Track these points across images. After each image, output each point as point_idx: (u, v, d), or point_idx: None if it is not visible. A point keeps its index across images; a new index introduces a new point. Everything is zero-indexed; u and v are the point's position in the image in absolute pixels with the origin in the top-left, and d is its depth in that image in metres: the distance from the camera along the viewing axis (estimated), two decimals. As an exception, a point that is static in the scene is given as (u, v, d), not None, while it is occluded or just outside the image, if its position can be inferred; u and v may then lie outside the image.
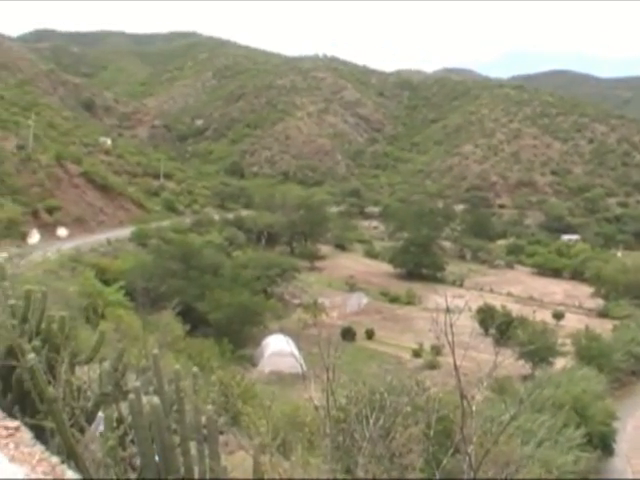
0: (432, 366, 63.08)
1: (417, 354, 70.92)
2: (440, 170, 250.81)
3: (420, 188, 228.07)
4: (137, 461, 7.29)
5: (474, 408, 8.50)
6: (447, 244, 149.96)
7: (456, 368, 8.43)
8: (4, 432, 5.58)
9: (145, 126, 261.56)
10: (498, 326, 74.26)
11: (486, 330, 75.11)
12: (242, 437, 11.55)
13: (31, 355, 7.62)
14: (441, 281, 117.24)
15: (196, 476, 6.93)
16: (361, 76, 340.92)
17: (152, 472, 6.85)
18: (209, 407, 7.40)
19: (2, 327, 8.46)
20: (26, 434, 5.75)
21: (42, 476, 4.82)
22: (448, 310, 8.73)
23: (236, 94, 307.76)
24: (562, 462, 32.93)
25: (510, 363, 53.28)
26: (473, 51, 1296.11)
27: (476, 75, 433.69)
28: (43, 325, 9.05)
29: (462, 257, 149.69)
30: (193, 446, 7.06)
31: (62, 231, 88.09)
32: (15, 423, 5.89)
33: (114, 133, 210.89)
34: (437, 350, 64.07)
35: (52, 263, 52.18)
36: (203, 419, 7.21)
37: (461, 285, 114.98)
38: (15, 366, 8.26)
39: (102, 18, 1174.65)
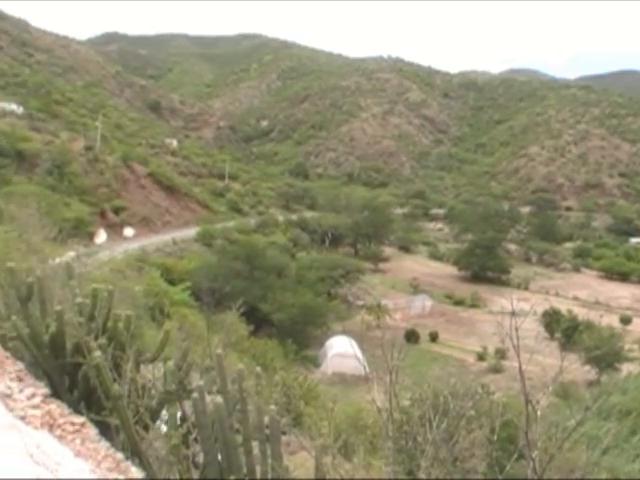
0: (496, 370, 62.46)
1: (481, 357, 70.24)
2: (506, 172, 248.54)
3: (485, 190, 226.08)
4: (200, 459, 7.34)
5: (539, 413, 8.39)
6: (512, 247, 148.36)
7: (521, 372, 8.34)
8: (70, 428, 5.65)
9: (210, 127, 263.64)
10: (564, 330, 73.39)
11: (551, 334, 74.26)
12: (304, 438, 11.54)
13: (97, 353, 7.71)
14: (506, 284, 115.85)
15: (258, 476, 6.95)
16: (426, 77, 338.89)
17: (214, 471, 6.89)
18: (272, 407, 7.40)
19: (69, 325, 8.58)
20: (92, 430, 5.81)
21: (107, 472, 4.87)
22: (513, 313, 8.63)
23: (301, 95, 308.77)
24: (629, 470, 32.33)
25: (576, 368, 52.64)
26: (539, 52, 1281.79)
27: (542, 76, 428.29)
28: (109, 323, 9.16)
29: (528, 260, 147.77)
30: (255, 446, 7.08)
31: (129, 231, 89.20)
32: (81, 419, 5.96)
33: (180, 134, 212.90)
34: (501, 354, 63.48)
35: (119, 262, 52.76)
36: (266, 419, 7.22)
37: (526, 288, 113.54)
38: (82, 363, 8.37)
39: (168, 21, 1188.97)
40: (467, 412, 9.82)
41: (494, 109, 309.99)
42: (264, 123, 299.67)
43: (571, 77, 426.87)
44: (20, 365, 6.98)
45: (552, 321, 76.58)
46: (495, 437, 9.44)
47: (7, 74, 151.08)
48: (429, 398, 10.36)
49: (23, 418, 5.48)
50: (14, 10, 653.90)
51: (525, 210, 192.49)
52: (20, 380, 6.43)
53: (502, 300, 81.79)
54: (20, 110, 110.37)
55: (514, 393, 18.42)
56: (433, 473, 8.57)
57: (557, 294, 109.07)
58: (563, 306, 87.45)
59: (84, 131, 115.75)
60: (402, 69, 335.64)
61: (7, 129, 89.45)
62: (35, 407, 5.85)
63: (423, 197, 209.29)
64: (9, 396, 5.90)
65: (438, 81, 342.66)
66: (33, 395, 6.11)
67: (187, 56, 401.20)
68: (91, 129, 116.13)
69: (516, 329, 8.25)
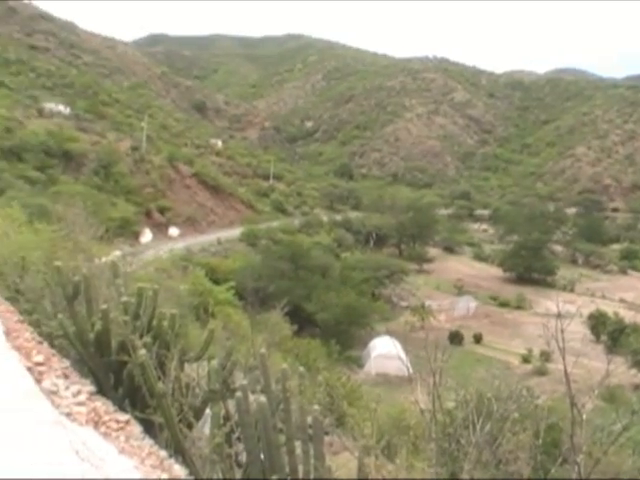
0: (541, 372, 61.92)
1: (526, 360, 69.64)
2: (552, 172, 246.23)
3: (531, 191, 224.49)
4: (242, 458, 7.37)
5: (584, 417, 8.30)
6: (558, 248, 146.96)
7: (566, 375, 8.26)
8: (115, 425, 5.70)
9: (255, 128, 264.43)
10: (610, 333, 72.62)
11: (597, 337, 73.51)
12: (347, 438, 11.53)
13: (142, 351, 7.78)
14: (552, 286, 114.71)
15: (300, 475, 6.96)
16: (471, 77, 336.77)
17: (257, 470, 6.91)
18: (315, 407, 7.41)
19: (115, 323, 8.66)
20: (136, 428, 5.86)
21: (150, 469, 4.91)
22: (559, 315, 8.56)
23: (345, 96, 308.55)
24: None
25: (622, 372, 51.95)
26: (586, 51, 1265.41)
27: (589, 75, 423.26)
28: (154, 322, 9.22)
29: (574, 261, 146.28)
30: (298, 446, 7.09)
31: (174, 230, 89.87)
32: (125, 417, 6.01)
33: (225, 135, 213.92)
34: (546, 356, 62.92)
35: (164, 262, 53.16)
36: (309, 419, 7.23)
37: (572, 290, 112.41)
38: (127, 361, 8.45)
39: (213, 22, 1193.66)
40: (511, 415, 9.76)
41: (540, 109, 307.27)
42: (309, 123, 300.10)
43: (619, 76, 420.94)
44: (66, 363, 7.06)
45: (598, 323, 75.83)
46: (539, 440, 9.37)
47: (55, 75, 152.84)
48: (473, 400, 10.33)
49: (69, 415, 5.54)
50: (62, 12, 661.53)
51: (571, 211, 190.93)
52: (66, 377, 6.50)
53: (547, 302, 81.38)
54: (67, 111, 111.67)
55: (559, 396, 18.28)
56: (476, 476, 8.53)
57: (603, 296, 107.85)
58: (609, 308, 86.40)
59: (130, 131, 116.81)
60: (447, 69, 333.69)
61: (55, 130, 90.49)
62: (80, 404, 5.91)
63: (468, 198, 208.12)
64: (55, 393, 5.97)
65: (484, 81, 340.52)
66: (79, 392, 6.18)
67: (232, 57, 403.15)
68: (137, 129, 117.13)
69: (561, 331, 8.18)
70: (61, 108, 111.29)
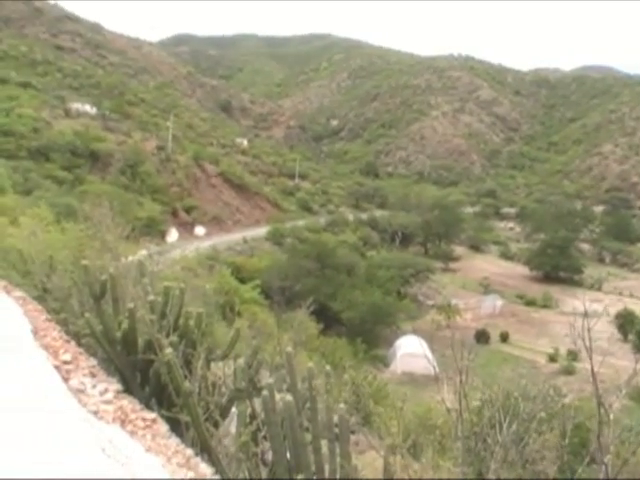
0: (568, 372, 61.49)
1: (553, 359, 69.21)
2: (579, 170, 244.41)
3: (558, 189, 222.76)
4: (269, 457, 7.38)
5: (612, 416, 8.25)
6: (585, 246, 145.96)
7: (593, 374, 8.22)
8: (141, 423, 5.73)
9: (281, 127, 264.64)
10: (638, 332, 72.00)
11: (625, 336, 72.93)
12: (373, 437, 11.54)
13: (169, 350, 7.81)
14: (579, 284, 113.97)
15: (326, 474, 6.96)
16: (497, 75, 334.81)
17: (283, 468, 6.92)
18: (341, 406, 7.41)
19: (141, 322, 8.70)
20: (162, 426, 5.89)
21: (177, 467, 4.93)
22: (586, 314, 8.50)
23: (371, 94, 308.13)
24: None
25: (651, 371, 51.47)
26: (613, 48, 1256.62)
27: (616, 72, 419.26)
28: (181, 321, 9.26)
29: (601, 260, 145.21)
30: (324, 444, 7.09)
31: (200, 229, 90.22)
32: (152, 415, 6.04)
33: (250, 134, 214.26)
34: (574, 355, 62.45)
35: (190, 261, 53.33)
36: (335, 418, 7.23)
37: (599, 289, 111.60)
38: (153, 360, 8.49)
39: (239, 22, 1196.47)
40: (538, 414, 9.72)
41: (567, 107, 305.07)
42: (334, 122, 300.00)
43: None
44: (93, 361, 7.10)
45: (625, 322, 75.26)
46: (566, 440, 9.32)
47: (81, 76, 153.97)
48: (499, 399, 10.28)
49: (96, 413, 5.57)
50: (88, 13, 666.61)
51: (598, 209, 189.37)
52: (93, 376, 6.54)
53: (574, 301, 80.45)
54: (94, 111, 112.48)
55: (586, 396, 18.17)
56: (502, 475, 8.50)
57: (631, 295, 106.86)
58: (637, 307, 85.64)
59: (156, 131, 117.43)
60: (473, 67, 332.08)
61: (81, 130, 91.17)
62: (107, 402, 5.95)
63: (494, 196, 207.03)
64: (82, 391, 6.01)
65: (509, 79, 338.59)
66: (106, 391, 6.21)
67: (257, 56, 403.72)
68: (163, 129, 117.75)
69: (588, 330, 8.13)
70: (88, 108, 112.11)
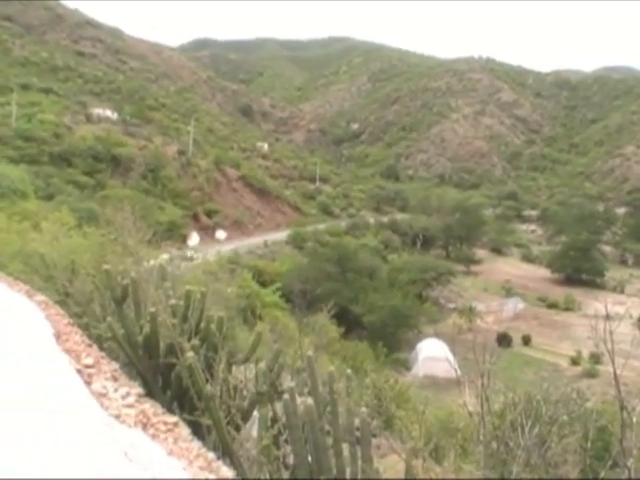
0: (591, 375, 61.16)
1: (575, 362, 68.96)
2: (601, 172, 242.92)
3: (580, 191, 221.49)
4: (290, 461, 7.38)
5: (634, 420, 8.20)
6: (608, 249, 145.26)
7: (616, 377, 8.17)
8: (163, 427, 5.74)
9: (301, 130, 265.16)
10: (661, 334, 71.49)
11: (648, 339, 72.38)
12: (395, 441, 11.51)
13: (190, 353, 7.83)
14: (601, 287, 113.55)
15: (348, 477, 6.96)
16: (517, 77, 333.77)
17: (304, 472, 6.92)
18: (362, 410, 7.40)
19: (163, 326, 8.72)
20: (184, 430, 5.90)
21: (198, 470, 4.94)
22: (608, 317, 8.45)
23: (391, 97, 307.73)
24: None
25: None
26: (634, 49, 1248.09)
27: (638, 73, 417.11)
28: (202, 325, 9.27)
29: (623, 262, 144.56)
30: (346, 448, 7.09)
31: (221, 233, 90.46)
32: (174, 419, 6.05)
33: (271, 138, 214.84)
34: (596, 358, 62.17)
35: (211, 265, 53.47)
36: (356, 421, 7.23)
37: (622, 291, 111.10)
38: (175, 364, 8.52)
39: (258, 26, 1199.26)
40: (560, 417, 9.68)
41: (588, 108, 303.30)
42: (355, 125, 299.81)
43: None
44: (115, 365, 7.13)
45: (649, 325, 74.83)
46: (589, 444, 9.27)
47: (102, 81, 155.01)
48: (521, 402, 10.25)
49: (117, 417, 5.59)
50: (108, 19, 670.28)
51: (621, 211, 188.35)
52: (115, 380, 6.57)
53: (597, 303, 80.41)
54: (115, 116, 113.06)
55: (609, 399, 18.06)
56: (525, 478, 8.47)
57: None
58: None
59: (177, 136, 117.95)
60: (493, 69, 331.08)
61: (103, 135, 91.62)
62: (129, 406, 5.97)
63: (515, 198, 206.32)
64: (104, 395, 6.03)
65: (530, 80, 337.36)
66: (127, 394, 6.23)
67: (277, 60, 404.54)
68: (184, 134, 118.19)
69: (611, 333, 8.08)
70: (109, 113, 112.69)
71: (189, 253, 70.05)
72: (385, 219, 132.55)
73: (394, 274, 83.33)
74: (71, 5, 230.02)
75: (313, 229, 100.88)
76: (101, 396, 5.96)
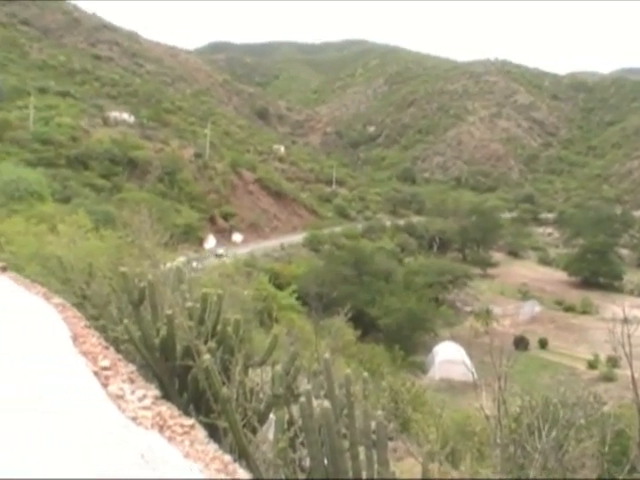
0: (608, 378, 60.85)
1: (592, 365, 68.57)
2: (618, 174, 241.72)
3: (597, 193, 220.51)
4: (306, 463, 7.37)
5: (653, 424, 8.15)
6: (625, 252, 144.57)
7: (633, 381, 8.13)
8: (180, 429, 5.75)
9: (317, 133, 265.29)
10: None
11: (667, 342, 72.00)
12: (411, 444, 11.50)
13: (207, 356, 7.83)
14: (619, 290, 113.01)
15: (364, 481, 6.94)
16: (534, 79, 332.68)
17: (320, 475, 6.90)
18: (379, 413, 7.38)
19: (180, 328, 8.74)
20: (200, 432, 5.90)
21: (215, 473, 4.94)
22: (625, 320, 8.42)
23: (407, 100, 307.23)
24: None
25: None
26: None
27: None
28: (219, 327, 9.28)
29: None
30: (362, 451, 7.07)
31: (237, 236, 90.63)
32: (190, 421, 6.05)
33: (287, 141, 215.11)
34: (613, 362, 61.81)
35: (228, 267, 53.54)
36: (373, 424, 7.20)
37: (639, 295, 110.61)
38: (191, 366, 8.53)
39: (274, 29, 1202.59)
40: (577, 421, 9.63)
41: (605, 110, 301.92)
42: (371, 128, 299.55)
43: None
44: (132, 367, 7.14)
45: (667, 328, 74.34)
46: (606, 448, 9.22)
47: (119, 84, 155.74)
48: (538, 406, 10.20)
49: (134, 419, 5.60)
50: (125, 23, 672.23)
51: (638, 214, 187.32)
52: (132, 382, 6.57)
53: (614, 307, 79.85)
54: (131, 119, 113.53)
55: (627, 403, 17.96)
56: (542, 482, 8.42)
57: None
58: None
59: (193, 139, 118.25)
60: (510, 71, 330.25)
61: (119, 138, 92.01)
62: (146, 408, 5.98)
63: (532, 201, 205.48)
64: (121, 397, 6.04)
65: (547, 83, 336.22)
66: (144, 397, 6.24)
67: (293, 63, 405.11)
68: (200, 137, 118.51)
69: (628, 336, 8.04)
70: (125, 116, 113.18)
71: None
72: (401, 222, 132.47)
73: (410, 277, 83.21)
74: (88, 9, 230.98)
75: (329, 232, 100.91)
76: (118, 398, 5.98)
